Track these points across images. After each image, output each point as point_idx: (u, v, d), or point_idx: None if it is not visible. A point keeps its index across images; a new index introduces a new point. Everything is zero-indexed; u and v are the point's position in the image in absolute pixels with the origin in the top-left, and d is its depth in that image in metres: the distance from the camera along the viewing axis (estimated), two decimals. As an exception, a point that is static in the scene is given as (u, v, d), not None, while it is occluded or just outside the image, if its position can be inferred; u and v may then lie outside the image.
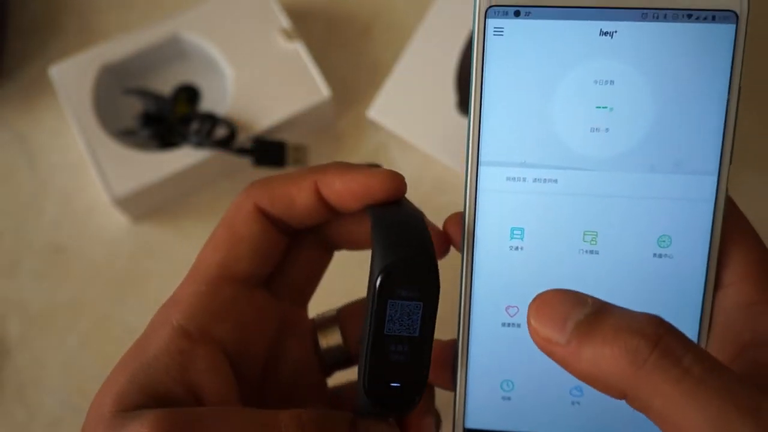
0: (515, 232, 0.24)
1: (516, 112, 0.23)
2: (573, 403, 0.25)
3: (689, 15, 0.23)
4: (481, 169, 0.24)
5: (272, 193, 0.27)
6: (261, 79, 0.46)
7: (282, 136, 0.45)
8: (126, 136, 0.45)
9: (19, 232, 0.46)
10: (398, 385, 0.24)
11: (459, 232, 0.25)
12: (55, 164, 0.48)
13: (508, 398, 0.25)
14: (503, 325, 0.25)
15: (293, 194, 0.26)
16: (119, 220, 0.46)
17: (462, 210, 0.25)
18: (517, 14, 0.23)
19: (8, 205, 0.47)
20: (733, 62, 0.23)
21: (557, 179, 0.24)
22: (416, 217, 0.25)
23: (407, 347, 0.24)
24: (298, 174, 0.27)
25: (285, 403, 0.26)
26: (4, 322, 0.44)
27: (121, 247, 0.46)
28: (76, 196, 0.47)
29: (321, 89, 0.46)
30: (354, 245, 0.29)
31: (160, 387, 0.24)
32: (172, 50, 0.48)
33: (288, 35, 0.47)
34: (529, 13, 0.23)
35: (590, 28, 0.23)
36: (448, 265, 0.26)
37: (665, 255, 0.24)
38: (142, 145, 0.45)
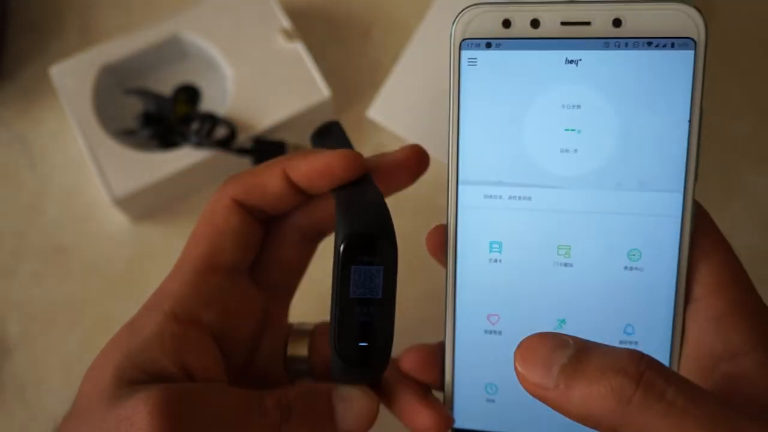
0: (494, 245, 0.26)
1: (491, 134, 0.25)
2: None
3: (649, 43, 0.24)
4: (461, 187, 0.26)
5: (245, 184, 0.29)
6: (261, 79, 0.46)
7: (282, 136, 0.45)
8: (126, 136, 0.45)
9: (20, 232, 0.46)
10: (366, 344, 0.26)
11: (441, 244, 0.27)
12: (55, 164, 0.48)
13: (492, 400, 0.27)
14: (486, 332, 0.27)
15: (264, 182, 0.28)
16: (119, 220, 0.46)
17: (444, 221, 0.26)
18: (488, 46, 0.25)
19: (9, 206, 0.47)
20: (693, 86, 0.24)
21: (531, 197, 0.25)
22: (373, 191, 0.27)
23: (372, 308, 0.26)
24: (267, 164, 0.29)
25: (262, 388, 0.28)
26: (5, 322, 0.44)
27: (121, 247, 0.46)
28: (76, 196, 0.47)
29: (321, 89, 0.46)
30: (328, 231, 0.31)
31: (156, 366, 0.26)
32: (173, 50, 0.48)
33: (288, 35, 0.47)
34: (500, 44, 0.25)
35: (556, 57, 0.24)
36: (433, 270, 0.27)
37: (636, 268, 0.25)
38: (143, 145, 0.45)
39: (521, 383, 0.21)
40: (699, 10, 0.23)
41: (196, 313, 0.28)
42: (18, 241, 0.46)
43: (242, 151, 0.44)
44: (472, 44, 0.25)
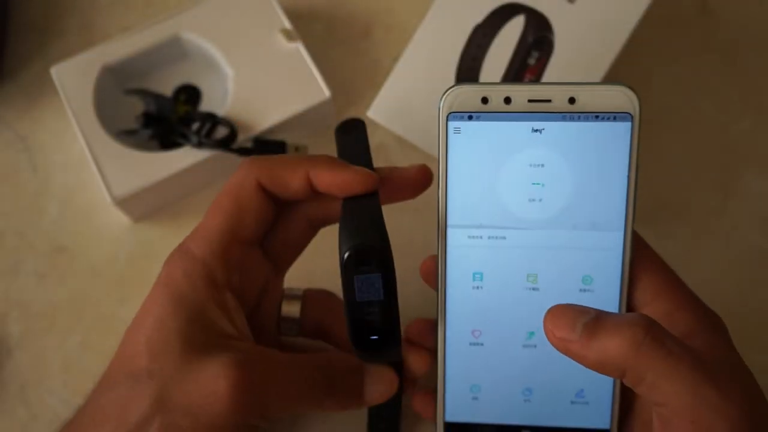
0: (476, 275, 0.31)
1: (473, 188, 0.31)
2: (525, 400, 0.32)
3: (597, 116, 0.29)
4: (449, 230, 0.31)
5: (271, 174, 0.33)
6: (261, 79, 0.46)
7: (282, 136, 0.46)
8: (127, 136, 0.45)
9: (21, 231, 0.46)
10: (376, 337, 0.31)
11: (431, 273, 0.32)
12: (56, 164, 0.48)
13: (476, 398, 0.33)
14: (470, 344, 0.32)
15: (288, 179, 0.33)
16: (120, 219, 0.46)
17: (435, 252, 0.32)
18: (470, 117, 0.30)
19: (9, 205, 0.47)
20: (630, 150, 0.30)
21: (506, 236, 0.31)
22: (374, 208, 0.31)
23: (377, 308, 0.30)
24: (293, 161, 0.33)
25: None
26: (6, 321, 0.44)
27: (122, 247, 0.46)
28: (77, 196, 0.47)
29: (321, 89, 0.46)
30: (332, 221, 0.35)
31: (215, 326, 0.31)
32: (173, 50, 0.48)
33: (288, 35, 0.47)
34: (479, 116, 0.30)
35: (525, 126, 0.30)
36: (426, 296, 0.33)
37: (588, 290, 0.31)
38: (143, 145, 0.45)
39: (549, 338, 0.27)
40: (634, 90, 0.29)
41: (227, 278, 0.32)
42: (19, 240, 0.46)
43: (243, 151, 0.44)
44: (457, 116, 0.30)
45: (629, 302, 0.31)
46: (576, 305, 0.27)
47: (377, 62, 0.50)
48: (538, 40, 0.45)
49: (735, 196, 0.47)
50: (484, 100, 0.30)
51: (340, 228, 0.30)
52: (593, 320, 0.26)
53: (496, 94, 0.30)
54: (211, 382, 0.29)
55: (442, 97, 0.30)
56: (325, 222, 0.36)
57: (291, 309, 0.36)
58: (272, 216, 0.34)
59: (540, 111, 0.30)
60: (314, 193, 0.33)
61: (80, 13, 0.52)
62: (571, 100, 0.29)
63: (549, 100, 0.29)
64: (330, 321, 0.37)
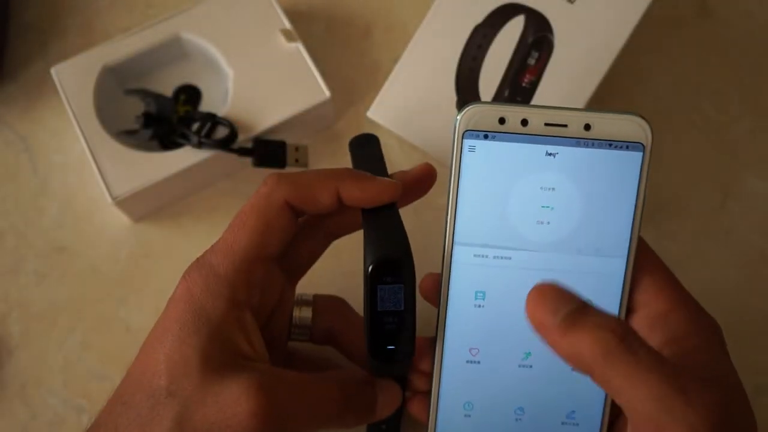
0: (478, 294, 0.32)
1: (483, 207, 0.31)
2: (516, 419, 0.33)
3: (610, 144, 0.30)
4: (455, 247, 0.31)
5: (300, 193, 0.32)
6: (261, 79, 0.46)
7: (282, 136, 0.46)
8: (127, 136, 0.45)
9: (21, 231, 0.46)
10: (393, 347, 0.31)
11: (432, 290, 0.32)
12: (56, 164, 0.48)
13: (469, 416, 0.33)
14: (467, 362, 0.32)
15: (318, 196, 0.32)
16: (120, 219, 0.46)
17: (434, 270, 0.32)
18: (485, 137, 0.30)
19: (10, 205, 0.47)
20: (639, 179, 0.30)
21: (511, 257, 0.31)
22: (397, 219, 0.32)
23: (396, 318, 0.31)
24: (321, 177, 0.33)
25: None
26: (6, 321, 0.44)
27: (122, 247, 0.46)
28: (77, 196, 0.47)
29: (321, 89, 0.46)
30: (348, 232, 0.36)
31: (234, 346, 0.30)
32: (173, 51, 0.48)
33: (288, 36, 0.47)
34: (495, 136, 0.30)
35: (539, 149, 0.30)
36: (422, 312, 0.32)
37: None
38: (143, 145, 0.45)
39: (528, 315, 0.27)
40: (648, 121, 0.30)
41: (247, 297, 0.32)
42: (19, 240, 0.46)
43: (243, 151, 0.44)
44: (473, 135, 0.30)
45: (630, 301, 0.31)
46: (563, 288, 0.27)
47: (377, 62, 0.50)
48: (538, 40, 0.45)
49: (735, 196, 0.47)
50: (502, 121, 0.30)
51: (365, 239, 0.31)
52: (574, 312, 0.26)
53: (514, 116, 0.30)
54: (233, 405, 0.28)
55: (459, 114, 0.30)
56: (342, 233, 0.36)
57: (302, 315, 0.37)
58: (294, 233, 0.34)
59: (555, 135, 0.30)
60: (339, 207, 0.33)
61: (80, 13, 0.52)
62: (587, 127, 0.30)
63: (565, 125, 0.30)
64: (340, 327, 0.37)
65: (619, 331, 0.26)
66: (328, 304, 0.37)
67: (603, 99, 0.47)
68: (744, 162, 0.48)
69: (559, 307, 0.26)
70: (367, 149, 0.36)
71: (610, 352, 0.25)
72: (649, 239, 0.32)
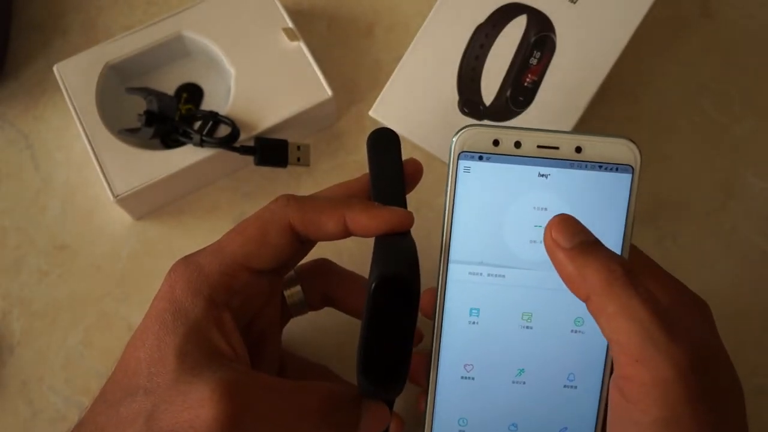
0: (473, 311, 0.32)
1: (478, 226, 0.32)
2: None
3: (600, 166, 0.31)
4: (451, 265, 0.32)
5: (306, 218, 0.32)
6: (264, 78, 0.46)
7: (284, 135, 0.46)
8: (129, 134, 0.45)
9: (23, 229, 0.47)
10: (387, 370, 0.31)
11: (429, 305, 0.33)
12: (58, 162, 0.48)
13: (464, 431, 0.33)
14: (462, 377, 0.33)
15: (323, 223, 0.32)
16: (122, 217, 0.46)
17: (432, 285, 0.33)
18: (480, 158, 0.31)
19: (12, 203, 0.47)
20: (629, 200, 0.31)
21: (505, 275, 0.32)
22: (408, 240, 0.31)
23: (394, 341, 0.30)
24: (329, 205, 0.33)
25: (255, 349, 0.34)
26: (8, 318, 0.44)
27: (123, 245, 0.46)
28: (79, 194, 0.47)
29: (323, 88, 0.46)
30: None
31: (211, 345, 0.30)
32: (176, 49, 0.48)
33: (291, 35, 0.47)
34: (489, 158, 0.31)
35: (532, 170, 0.31)
36: (423, 329, 0.33)
37: (579, 331, 0.32)
38: (145, 143, 0.45)
39: (545, 236, 0.29)
40: (637, 145, 0.31)
41: (228, 300, 0.32)
42: (21, 238, 0.46)
43: (245, 150, 0.44)
44: (468, 156, 0.31)
45: None
46: (582, 224, 0.29)
47: (379, 61, 0.50)
48: (540, 39, 0.45)
49: (735, 196, 0.47)
50: (495, 143, 0.31)
51: (373, 258, 0.31)
52: (588, 242, 0.28)
53: (508, 138, 0.31)
54: (196, 406, 0.28)
55: (455, 136, 0.31)
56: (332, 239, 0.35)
57: (293, 293, 0.37)
58: (293, 254, 0.34)
59: (547, 157, 0.31)
60: (345, 235, 0.33)
61: (83, 11, 0.52)
62: (578, 149, 0.31)
63: (557, 147, 0.31)
64: (332, 287, 0.37)
65: (627, 265, 0.27)
66: (312, 270, 0.38)
67: (604, 99, 0.47)
68: (744, 162, 0.48)
69: (576, 234, 0.28)
70: (387, 157, 0.35)
71: (614, 280, 0.27)
72: (650, 239, 0.32)
